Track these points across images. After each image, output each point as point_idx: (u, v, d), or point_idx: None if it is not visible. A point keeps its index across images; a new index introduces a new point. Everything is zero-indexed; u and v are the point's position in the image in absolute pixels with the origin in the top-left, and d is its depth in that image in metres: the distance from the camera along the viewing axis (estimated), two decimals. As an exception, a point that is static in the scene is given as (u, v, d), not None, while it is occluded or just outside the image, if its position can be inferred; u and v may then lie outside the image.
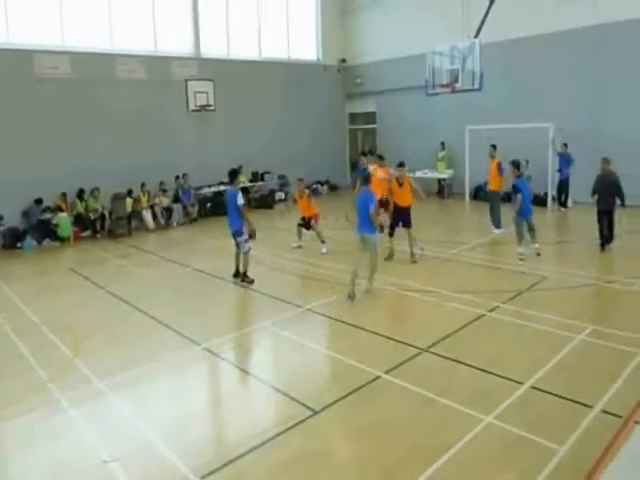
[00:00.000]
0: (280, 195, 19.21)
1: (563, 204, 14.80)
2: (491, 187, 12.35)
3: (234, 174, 9.34)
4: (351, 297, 8.11)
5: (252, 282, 9.23)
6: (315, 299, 8.22)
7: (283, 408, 5.20)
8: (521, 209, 9.89)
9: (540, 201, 14.58)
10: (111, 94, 15.34)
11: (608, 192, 10.31)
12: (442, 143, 18.22)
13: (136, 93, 15.88)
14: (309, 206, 11.57)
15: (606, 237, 10.47)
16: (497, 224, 12.13)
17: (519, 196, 9.88)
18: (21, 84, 13.88)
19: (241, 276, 9.42)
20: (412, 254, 10.15)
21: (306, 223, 11.62)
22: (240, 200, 9.08)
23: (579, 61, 15.08)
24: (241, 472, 4.23)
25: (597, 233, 10.55)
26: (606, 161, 10.72)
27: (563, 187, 14.69)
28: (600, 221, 10.49)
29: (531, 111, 15.54)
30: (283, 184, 19.70)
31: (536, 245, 10.24)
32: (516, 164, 10.21)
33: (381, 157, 12.44)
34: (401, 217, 10.19)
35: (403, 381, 5.47)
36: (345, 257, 10.75)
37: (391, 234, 10.36)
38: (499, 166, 11.94)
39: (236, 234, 9.28)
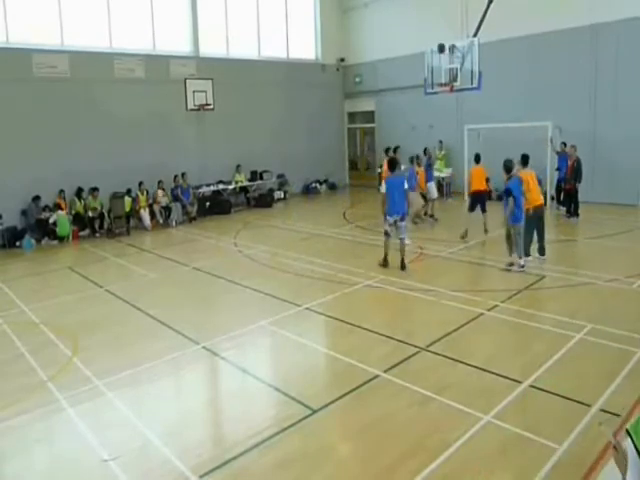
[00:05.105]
0: (279, 194, 19.22)
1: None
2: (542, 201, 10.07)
3: (395, 163, 9.95)
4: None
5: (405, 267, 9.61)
6: (314, 298, 8.22)
7: (282, 407, 5.20)
8: (513, 214, 9.13)
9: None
10: (110, 93, 15.34)
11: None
12: (440, 142, 18.22)
13: (135, 92, 15.86)
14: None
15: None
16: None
17: (511, 200, 9.08)
18: (20, 83, 13.86)
19: (402, 265, 9.57)
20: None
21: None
22: (406, 184, 9.72)
23: (577, 60, 15.09)
24: (240, 471, 4.24)
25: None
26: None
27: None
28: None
29: (529, 110, 15.57)
30: (282, 183, 19.71)
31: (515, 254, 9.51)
32: (508, 165, 9.53)
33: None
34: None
35: (402, 380, 5.47)
36: (344, 255, 10.78)
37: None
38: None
39: (404, 218, 9.68)
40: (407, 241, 10.72)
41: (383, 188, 9.55)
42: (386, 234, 9.70)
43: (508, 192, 9.11)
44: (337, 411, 5.05)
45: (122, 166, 15.34)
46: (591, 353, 6.00)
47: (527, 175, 9.56)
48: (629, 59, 14.18)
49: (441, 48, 13.87)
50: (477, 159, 12.30)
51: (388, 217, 9.56)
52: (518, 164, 9.82)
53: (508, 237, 9.42)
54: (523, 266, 9.18)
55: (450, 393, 5.15)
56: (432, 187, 14.05)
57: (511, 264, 9.27)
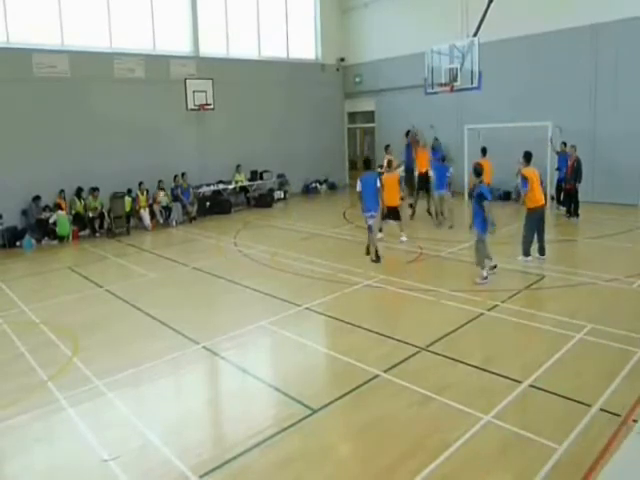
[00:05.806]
0: (279, 194, 19.22)
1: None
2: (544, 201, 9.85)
3: (369, 161, 11.10)
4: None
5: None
6: (314, 298, 8.23)
7: (282, 407, 5.20)
8: (486, 220, 8.47)
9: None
10: (110, 93, 15.34)
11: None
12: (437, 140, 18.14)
13: (135, 92, 15.87)
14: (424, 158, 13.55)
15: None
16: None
17: (486, 204, 8.38)
18: (20, 83, 13.86)
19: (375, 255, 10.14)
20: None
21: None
22: (378, 183, 10.19)
23: (577, 60, 15.09)
24: (240, 471, 4.24)
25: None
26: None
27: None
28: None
29: (529, 110, 15.57)
30: (282, 183, 19.71)
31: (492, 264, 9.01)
32: (478, 169, 8.76)
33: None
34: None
35: (402, 380, 5.47)
36: (344, 255, 10.78)
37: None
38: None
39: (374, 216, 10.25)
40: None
41: (358, 187, 10.11)
42: (369, 229, 10.18)
43: (481, 197, 8.38)
44: (337, 411, 5.05)
45: (122, 166, 15.35)
46: (591, 353, 6.00)
47: (531, 173, 9.45)
48: (629, 59, 14.19)
49: None
50: (484, 152, 12.32)
51: (365, 213, 10.12)
52: (519, 163, 9.78)
53: (478, 249, 8.72)
54: (522, 260, 9.37)
55: (450, 393, 5.16)
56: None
57: (485, 277, 8.66)
